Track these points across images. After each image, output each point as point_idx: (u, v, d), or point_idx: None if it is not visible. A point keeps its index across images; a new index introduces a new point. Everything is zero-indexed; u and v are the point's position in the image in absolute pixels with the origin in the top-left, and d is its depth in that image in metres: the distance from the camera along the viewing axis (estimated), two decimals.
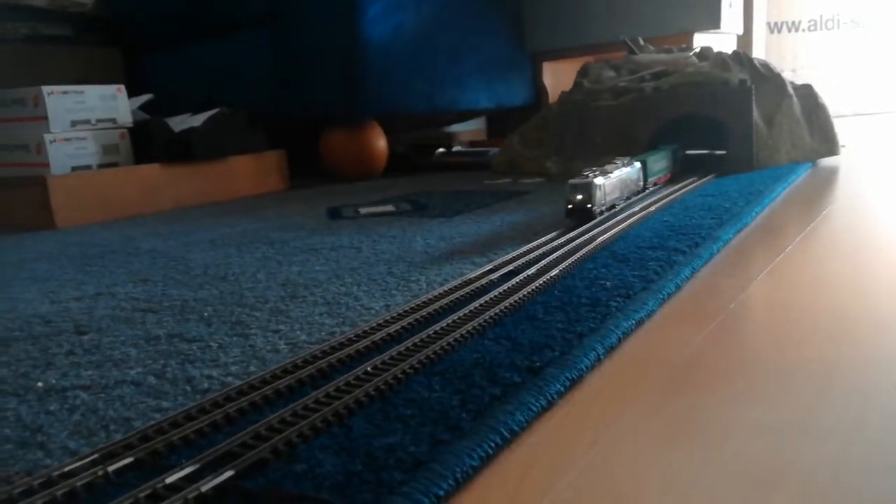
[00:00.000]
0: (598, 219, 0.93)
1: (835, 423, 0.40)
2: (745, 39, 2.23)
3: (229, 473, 0.37)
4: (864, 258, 0.75)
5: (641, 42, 1.73)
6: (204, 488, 0.35)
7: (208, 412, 0.44)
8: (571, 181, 0.92)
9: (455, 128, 2.48)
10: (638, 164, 1.10)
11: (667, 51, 1.66)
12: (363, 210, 1.27)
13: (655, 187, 1.20)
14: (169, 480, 0.36)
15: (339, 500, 0.34)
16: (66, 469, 0.38)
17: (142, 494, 0.35)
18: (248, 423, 0.43)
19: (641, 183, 1.12)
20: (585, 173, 0.94)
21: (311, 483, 0.36)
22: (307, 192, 1.69)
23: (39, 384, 0.52)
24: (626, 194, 1.05)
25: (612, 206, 0.99)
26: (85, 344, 0.61)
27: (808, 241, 0.83)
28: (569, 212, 0.92)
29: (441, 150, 2.16)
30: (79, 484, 0.36)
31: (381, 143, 1.87)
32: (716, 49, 1.61)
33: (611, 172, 0.97)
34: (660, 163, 1.22)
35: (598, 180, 0.92)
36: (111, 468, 0.37)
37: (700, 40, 1.83)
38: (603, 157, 1.43)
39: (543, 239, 0.87)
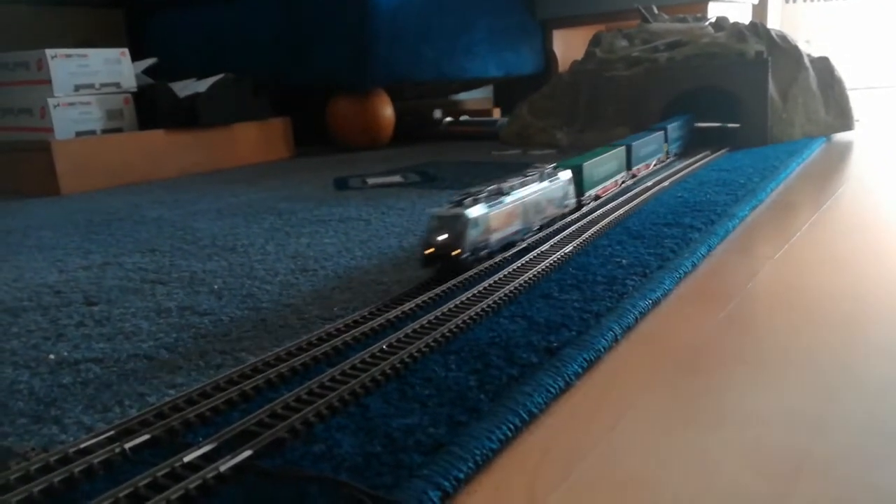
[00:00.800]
0: (479, 267, 0.65)
1: (851, 411, 0.40)
2: (761, 8, 2.19)
3: (247, 453, 0.36)
4: (880, 238, 0.74)
5: (655, 10, 1.69)
6: (222, 468, 0.35)
7: (223, 389, 0.43)
8: (435, 211, 0.63)
9: (462, 96, 2.44)
10: (564, 176, 0.79)
11: (681, 20, 1.63)
12: (371, 181, 1.26)
13: (599, 200, 0.92)
14: (187, 459, 0.36)
15: (359, 482, 0.34)
16: (83, 445, 0.37)
17: (160, 473, 0.35)
18: (264, 400, 0.42)
19: (571, 200, 0.82)
20: (459, 198, 0.64)
21: (329, 464, 0.36)
22: (313, 160, 1.67)
23: (51, 357, 0.52)
24: (538, 221, 0.74)
25: (509, 245, 0.70)
26: (95, 315, 0.61)
27: (824, 220, 0.82)
28: (426, 259, 0.61)
29: (448, 119, 2.13)
30: (96, 461, 0.36)
31: (388, 111, 1.84)
32: (731, 18, 1.57)
33: (505, 195, 0.67)
34: (605, 166, 0.93)
35: (475, 211, 0.62)
36: (128, 445, 0.37)
37: (715, 9, 1.79)
38: (615, 129, 1.41)
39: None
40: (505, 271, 0.63)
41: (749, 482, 0.34)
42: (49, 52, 1.38)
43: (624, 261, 0.66)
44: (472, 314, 0.53)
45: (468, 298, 0.56)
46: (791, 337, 0.50)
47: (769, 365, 0.46)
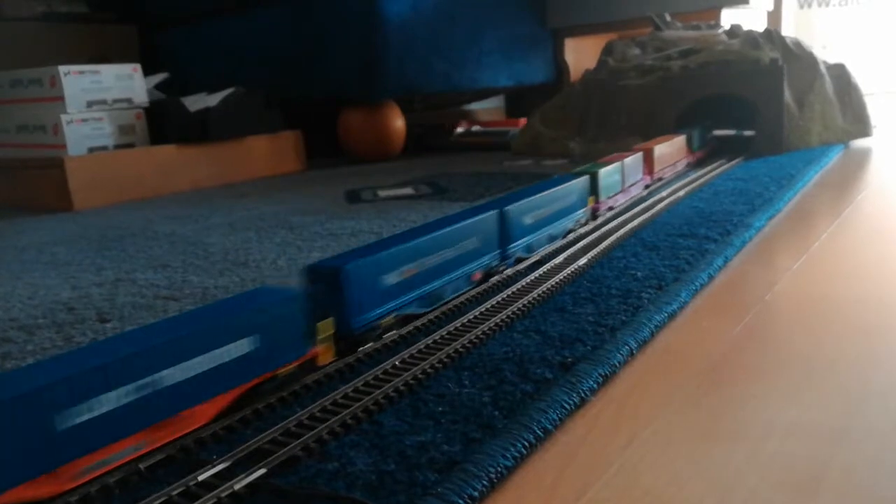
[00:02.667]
0: None
1: (873, 423, 0.39)
2: (775, 15, 2.18)
3: (261, 471, 0.36)
4: None
5: (668, 18, 1.68)
6: (237, 486, 0.35)
7: (237, 408, 0.43)
8: None
9: (473, 106, 2.45)
10: None
11: (694, 27, 1.62)
12: (382, 193, 1.26)
13: None
14: (201, 478, 0.36)
15: (373, 500, 0.34)
16: None
17: (175, 492, 0.34)
18: (277, 418, 0.42)
19: None
20: None
21: (343, 482, 0.35)
22: (324, 173, 1.68)
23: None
24: None
25: None
26: (108, 332, 0.61)
27: (843, 229, 0.81)
28: None
29: (459, 129, 2.14)
30: (112, 480, 0.36)
31: (398, 123, 1.85)
32: (745, 25, 1.57)
33: None
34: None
35: None
36: (143, 465, 0.37)
37: (728, 16, 1.78)
38: (628, 138, 1.40)
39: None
40: (518, 285, 0.62)
41: (769, 496, 0.33)
42: (62, 68, 1.40)
43: (639, 273, 0.65)
44: (486, 329, 0.52)
45: (481, 313, 0.56)
46: (811, 348, 0.49)
47: (789, 377, 0.45)
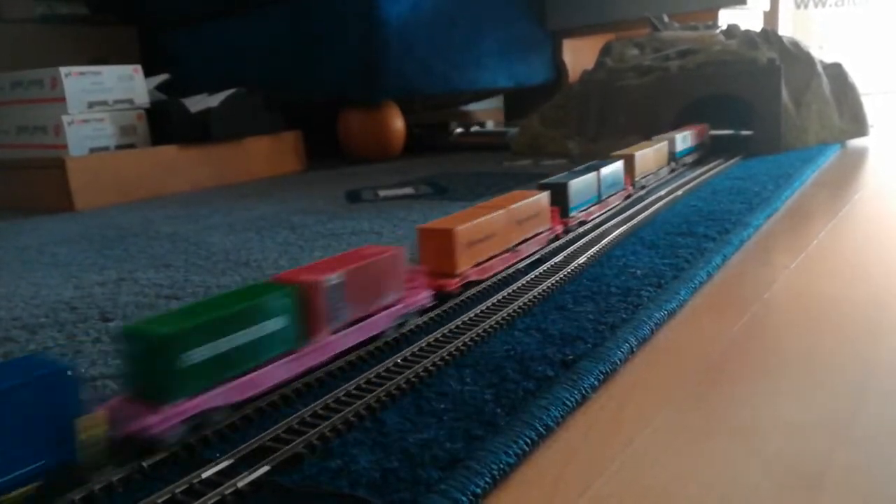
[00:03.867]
0: None
1: (874, 421, 0.39)
2: (772, 15, 2.18)
3: (265, 469, 0.36)
4: None
5: (666, 19, 1.69)
6: (240, 484, 0.35)
7: (239, 405, 0.43)
8: None
9: (472, 107, 2.45)
10: None
11: (692, 28, 1.63)
12: (382, 193, 1.26)
13: None
14: (205, 475, 0.36)
15: (377, 498, 0.34)
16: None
17: (178, 490, 0.35)
18: (280, 416, 0.42)
19: None
20: None
21: (347, 480, 0.35)
22: (324, 173, 1.68)
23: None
24: None
25: None
26: (111, 331, 0.61)
27: (841, 228, 0.81)
28: None
29: (459, 129, 2.14)
30: (115, 479, 0.36)
31: (398, 123, 1.85)
32: (742, 26, 1.57)
33: None
34: None
35: None
36: (146, 463, 0.37)
37: (726, 17, 1.79)
38: (626, 138, 1.41)
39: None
40: (518, 283, 0.63)
41: (770, 494, 0.34)
42: (63, 70, 1.40)
43: (638, 271, 0.66)
44: (487, 327, 0.53)
45: (482, 311, 0.56)
46: (810, 346, 0.50)
47: (789, 375, 0.46)
